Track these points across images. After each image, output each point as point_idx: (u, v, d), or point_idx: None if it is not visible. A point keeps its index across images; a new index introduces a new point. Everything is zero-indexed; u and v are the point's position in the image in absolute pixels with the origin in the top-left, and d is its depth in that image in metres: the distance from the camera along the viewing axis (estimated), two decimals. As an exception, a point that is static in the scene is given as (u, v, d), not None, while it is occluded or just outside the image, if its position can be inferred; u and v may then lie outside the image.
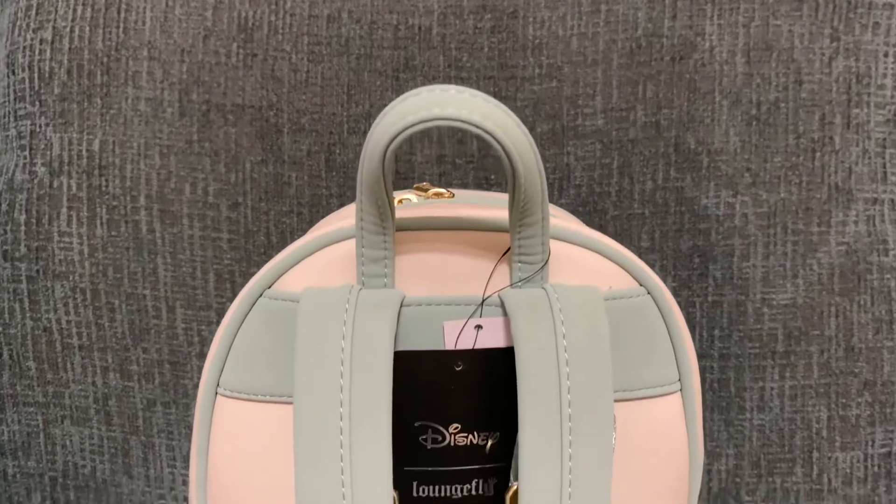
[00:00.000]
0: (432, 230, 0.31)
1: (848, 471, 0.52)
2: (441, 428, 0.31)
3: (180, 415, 0.53)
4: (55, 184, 0.53)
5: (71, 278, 0.53)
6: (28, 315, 0.53)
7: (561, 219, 0.34)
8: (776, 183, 0.52)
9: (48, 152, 0.53)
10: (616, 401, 0.31)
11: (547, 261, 0.30)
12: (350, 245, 0.31)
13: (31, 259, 0.53)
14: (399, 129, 0.27)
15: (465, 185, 0.53)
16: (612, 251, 0.32)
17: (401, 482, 0.31)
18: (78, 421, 0.54)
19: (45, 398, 0.54)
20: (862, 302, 0.52)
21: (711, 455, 0.53)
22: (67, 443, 0.54)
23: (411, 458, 0.31)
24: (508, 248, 0.31)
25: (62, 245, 0.53)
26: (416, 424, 0.31)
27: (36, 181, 0.53)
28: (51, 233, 0.53)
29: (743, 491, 0.53)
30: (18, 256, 0.53)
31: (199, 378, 0.53)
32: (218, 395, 0.33)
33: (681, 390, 0.33)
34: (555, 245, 0.31)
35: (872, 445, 0.52)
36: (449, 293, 0.31)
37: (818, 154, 0.52)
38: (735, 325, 0.52)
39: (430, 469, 0.31)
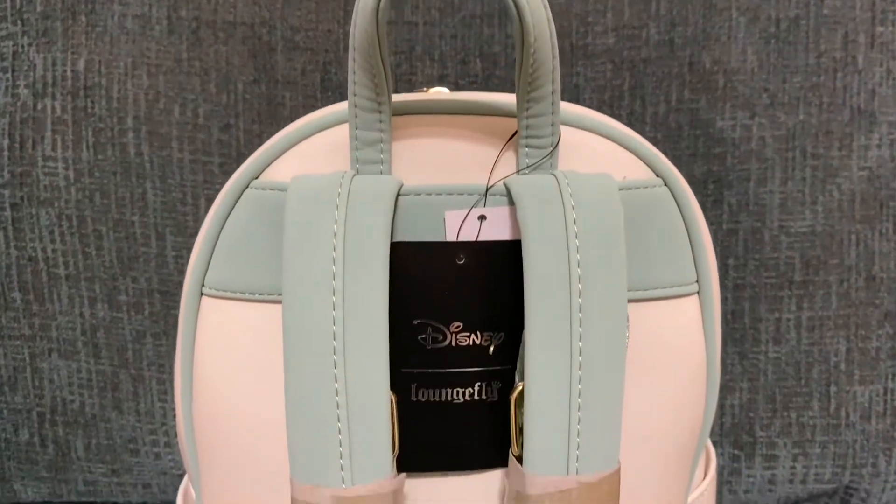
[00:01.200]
0: (432, 114, 0.29)
1: (867, 405, 0.50)
2: (441, 326, 0.29)
3: (171, 347, 0.51)
4: (39, 106, 0.50)
5: (56, 205, 0.50)
6: (12, 244, 0.51)
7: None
8: (795, 104, 0.49)
9: (31, 73, 0.50)
10: (629, 301, 0.29)
11: (557, 144, 0.28)
12: (343, 131, 0.29)
13: (14, 185, 0.51)
14: None
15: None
16: (626, 138, 0.29)
17: (399, 384, 0.29)
18: (65, 354, 0.52)
19: (32, 331, 0.52)
20: (884, 230, 0.49)
21: (724, 389, 0.51)
22: (55, 377, 0.52)
23: (410, 358, 0.29)
24: (515, 133, 0.28)
25: (47, 170, 0.50)
26: (414, 322, 0.29)
27: (19, 104, 0.51)
28: (35, 158, 0.50)
29: (757, 426, 0.51)
30: (1, 183, 0.51)
31: (190, 308, 0.51)
32: (203, 296, 0.30)
33: (698, 293, 0.31)
34: (565, 131, 0.29)
35: (893, 379, 0.50)
36: (450, 181, 0.28)
37: (840, 74, 0.49)
38: (751, 254, 0.50)
39: (429, 371, 0.29)
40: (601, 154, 0.29)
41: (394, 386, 0.28)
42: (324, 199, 0.27)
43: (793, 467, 0.51)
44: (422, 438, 0.30)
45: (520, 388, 0.28)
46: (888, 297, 0.49)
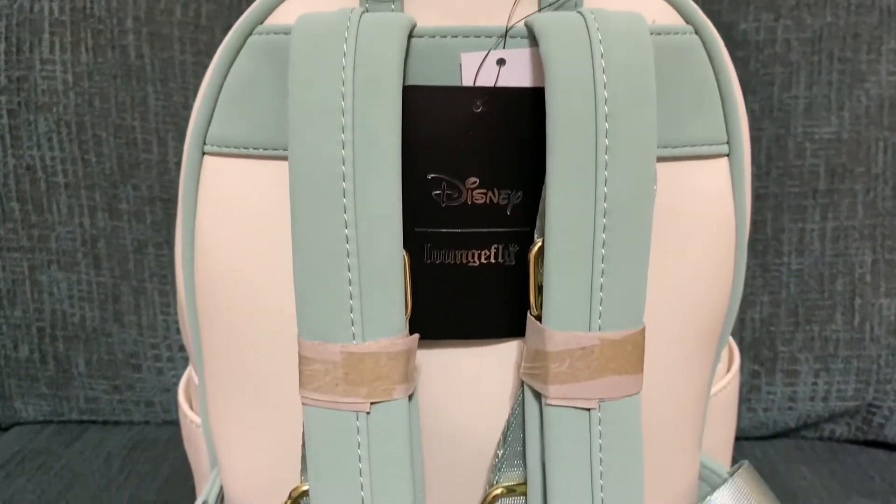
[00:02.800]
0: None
1: (893, 319, 0.49)
2: (457, 182, 0.27)
3: (173, 256, 0.50)
4: (36, 8, 0.49)
5: (55, 110, 0.49)
6: (10, 152, 0.50)
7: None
8: (822, 5, 0.47)
9: (28, -26, 0.49)
10: (657, 159, 0.27)
11: (582, -20, 0.26)
12: (352, -28, 0.27)
13: (11, 91, 0.49)
14: None
15: None
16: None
17: (411, 244, 0.27)
18: (65, 266, 0.50)
19: (30, 242, 0.50)
20: (913, 137, 0.48)
21: (745, 302, 0.49)
22: (54, 290, 0.51)
23: (423, 217, 0.27)
24: (536, -31, 0.27)
25: (45, 74, 0.49)
26: (428, 177, 0.27)
27: (15, 6, 0.49)
28: (32, 61, 0.49)
29: (778, 340, 0.49)
30: (-2, 88, 0.49)
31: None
32: (205, 155, 0.29)
33: (729, 155, 0.29)
34: (590, -28, 0.27)
35: (920, 292, 0.49)
36: (467, 22, 0.27)
37: (870, -26, 0.47)
38: (774, 162, 0.48)
39: (444, 231, 0.28)
40: (627, -4, 0.27)
41: (406, 245, 0.27)
42: (331, 33, 0.25)
43: (814, 383, 0.49)
44: (435, 304, 0.28)
45: (539, 243, 0.27)
46: (916, 207, 0.48)
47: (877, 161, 0.47)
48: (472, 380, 0.30)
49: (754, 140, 0.48)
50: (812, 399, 0.50)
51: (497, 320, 0.29)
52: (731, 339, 0.37)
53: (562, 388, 0.26)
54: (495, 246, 0.28)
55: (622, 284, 0.26)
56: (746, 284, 0.49)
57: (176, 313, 0.50)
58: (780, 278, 0.49)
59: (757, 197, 0.48)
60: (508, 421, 0.29)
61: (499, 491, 0.29)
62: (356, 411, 0.27)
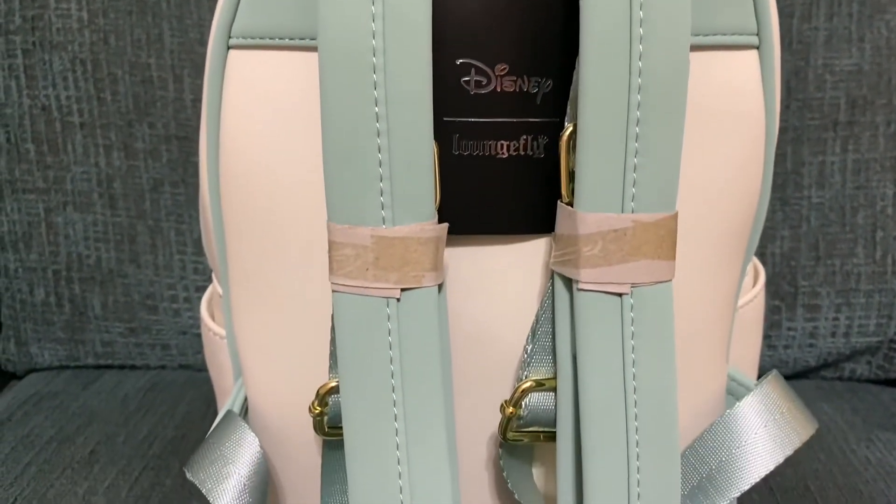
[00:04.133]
0: None
1: (914, 252, 0.48)
2: (486, 68, 0.27)
3: (190, 195, 0.49)
4: (50, -54, 0.49)
5: (70, 49, 0.49)
6: (25, 93, 0.49)
7: None
8: (842, -64, 0.47)
9: (42, -88, 0.49)
10: (687, 47, 0.27)
11: None
12: None
13: (26, 30, 0.49)
14: None
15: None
16: None
17: (440, 134, 0.27)
18: (81, 207, 0.50)
19: (46, 184, 0.50)
20: (934, 69, 0.47)
21: (765, 237, 0.49)
22: (70, 232, 0.51)
23: (452, 106, 0.27)
24: None
25: (59, 12, 0.48)
26: (457, 62, 0.27)
27: (29, -55, 0.49)
28: (47, 0, 0.49)
29: (799, 275, 0.49)
30: (13, 29, 0.49)
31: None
32: (230, 50, 0.29)
33: (758, 48, 0.29)
34: None
35: (941, 225, 0.48)
36: None
37: None
38: (794, 95, 0.47)
39: (472, 120, 0.27)
40: None
41: (434, 136, 0.26)
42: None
43: (836, 318, 0.49)
44: (462, 197, 0.28)
45: (571, 128, 0.26)
46: (938, 139, 0.47)
47: (898, 93, 0.47)
48: (500, 278, 0.29)
49: (774, 73, 0.47)
50: (833, 335, 0.50)
51: (526, 215, 0.29)
52: (755, 259, 0.36)
53: (594, 272, 0.26)
54: (524, 137, 0.28)
55: (656, 166, 0.26)
56: (767, 219, 0.48)
57: (193, 252, 0.50)
58: (800, 212, 0.48)
59: (778, 130, 0.48)
60: (537, 316, 0.29)
61: (528, 385, 0.29)
62: (386, 297, 0.26)
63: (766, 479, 0.42)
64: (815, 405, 0.49)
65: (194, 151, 0.49)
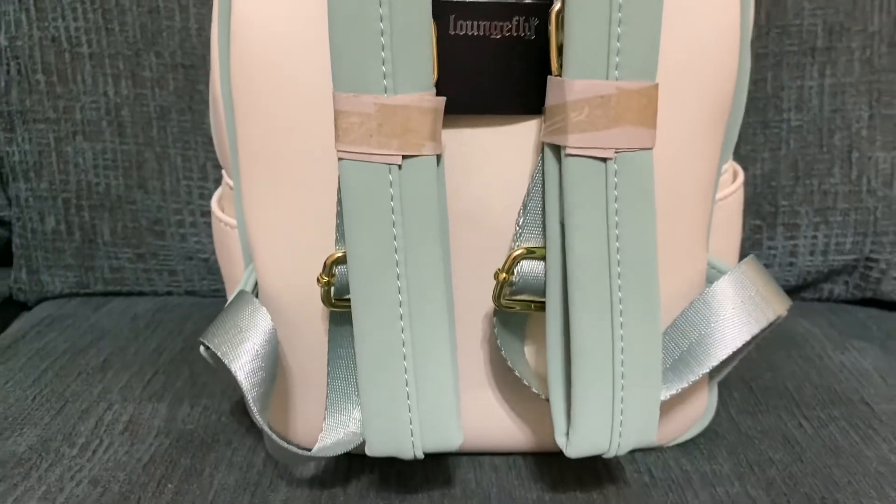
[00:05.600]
0: None
1: (888, 171, 0.51)
2: (480, -50, 0.29)
3: (196, 122, 0.51)
4: None
5: (78, -19, 0.50)
6: (34, 25, 0.51)
7: None
8: None
9: None
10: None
11: None
12: None
13: (35, -36, 0.51)
14: None
15: None
16: None
17: (438, 14, 0.29)
18: (90, 136, 0.52)
19: (56, 114, 0.52)
20: (907, -3, 0.49)
21: (746, 159, 0.51)
22: (80, 160, 0.53)
23: (448, -13, 0.29)
24: None
25: (68, -55, 0.50)
26: (453, -54, 0.29)
27: None
28: (56, -66, 0.50)
29: (779, 195, 0.51)
30: (23, -38, 0.51)
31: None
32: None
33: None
34: None
35: (914, 146, 0.50)
36: None
37: None
38: (773, 22, 0.50)
39: (468, 1, 0.29)
40: None
41: (433, 15, 0.28)
42: None
43: (814, 236, 0.51)
44: (459, 77, 0.30)
45: (559, 4, 0.29)
46: (910, 64, 0.50)
47: (873, 20, 0.49)
48: (494, 156, 0.32)
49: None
50: (812, 254, 0.52)
51: (518, 95, 0.31)
52: (734, 162, 0.39)
53: (581, 137, 0.28)
54: (516, 18, 0.30)
55: (637, 37, 0.28)
56: (748, 141, 0.51)
57: (199, 179, 0.52)
58: (779, 134, 0.51)
59: (756, 56, 0.50)
60: (529, 189, 0.31)
61: (519, 252, 0.31)
62: (388, 164, 0.28)
63: (747, 381, 0.45)
64: (795, 321, 0.52)
65: (200, 79, 0.51)
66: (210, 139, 0.52)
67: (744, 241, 0.52)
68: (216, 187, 0.52)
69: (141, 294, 0.55)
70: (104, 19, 0.50)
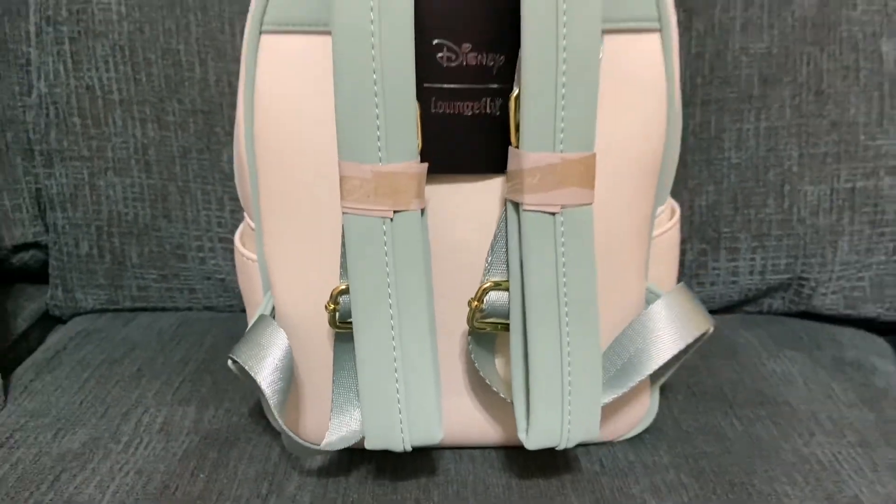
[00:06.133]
0: None
1: (815, 203, 0.58)
2: (455, 47, 0.36)
3: (213, 160, 0.59)
4: (92, -49, 0.57)
5: (110, 37, 0.58)
6: (72, 74, 0.58)
7: None
8: (755, -59, 0.56)
9: (85, -78, 0.57)
10: (603, 31, 0.37)
11: None
12: None
13: (72, 21, 0.58)
14: None
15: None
16: None
17: (421, 97, 0.36)
18: (120, 171, 0.59)
19: (90, 152, 0.59)
20: (831, 51, 0.57)
21: (693, 192, 0.58)
22: (111, 193, 0.60)
23: (430, 75, 0.36)
24: None
25: (101, 6, 0.57)
26: (434, 42, 0.36)
27: (74, -50, 0.58)
28: (90, -4, 0.58)
29: (721, 223, 0.59)
30: (61, 20, 0.58)
31: (228, 126, 0.58)
32: (262, 34, 0.38)
33: (660, 31, 0.38)
34: None
35: (838, 180, 0.58)
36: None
37: (794, -86, 0.56)
38: (716, 73, 0.57)
39: (445, 86, 0.37)
40: None
41: (417, 98, 0.36)
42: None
43: (752, 259, 0.59)
44: (439, 145, 0.37)
45: (517, 90, 0.36)
46: (834, 109, 0.57)
47: (801, 72, 0.57)
48: (468, 207, 0.39)
49: (699, 55, 0.57)
50: (751, 273, 0.59)
51: (486, 159, 0.38)
52: (673, 201, 0.46)
53: (534, 196, 0.36)
54: (484, 98, 0.37)
55: (577, 117, 0.35)
56: (694, 177, 0.58)
57: (217, 210, 0.59)
58: (721, 170, 0.58)
59: (702, 102, 0.57)
60: (495, 234, 0.39)
61: (488, 285, 0.38)
62: (383, 217, 0.36)
63: (690, 385, 0.52)
64: (737, 332, 0.59)
65: (217, 123, 0.58)
66: (226, 175, 0.59)
67: (691, 262, 0.60)
68: (231, 216, 0.59)
69: (164, 310, 0.62)
70: (133, 70, 0.58)
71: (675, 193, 0.58)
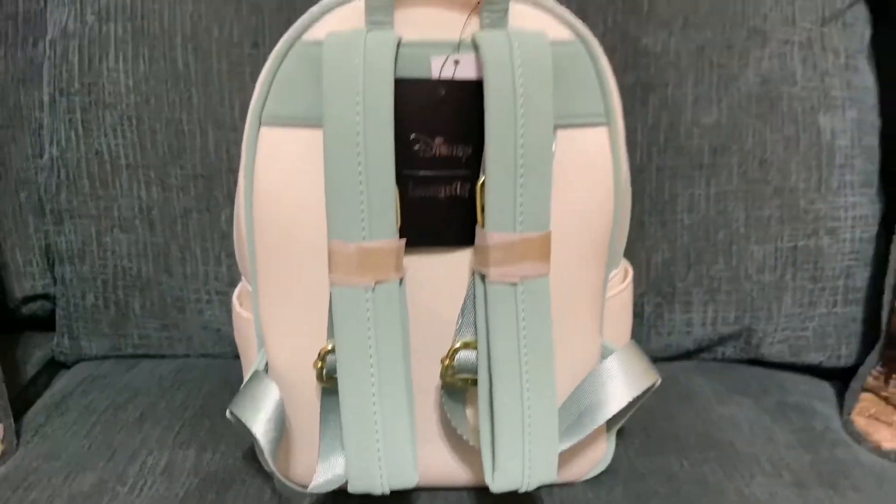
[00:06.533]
0: (422, -7, 0.42)
1: (761, 261, 0.64)
2: (429, 140, 0.42)
3: (213, 220, 0.64)
4: (103, 30, 0.63)
5: (119, 108, 0.63)
6: (82, 141, 0.63)
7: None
8: (704, 25, 0.62)
9: (97, 3, 0.63)
10: (556, 127, 0.42)
11: (507, 10, 0.41)
12: (360, 4, 0.41)
13: (84, 93, 0.63)
14: None
15: None
16: (556, 9, 0.42)
17: (400, 183, 0.42)
18: (125, 229, 0.64)
19: (98, 211, 0.64)
20: (773, 124, 0.63)
21: (650, 250, 0.64)
22: (116, 248, 0.65)
23: (408, 163, 0.42)
24: (479, 2, 0.41)
25: (111, 80, 0.63)
26: (411, 137, 0.42)
27: (86, 28, 0.63)
28: (101, 70, 0.63)
29: (676, 279, 0.64)
30: (73, 91, 0.63)
31: (227, 189, 0.63)
32: (261, 126, 0.43)
33: (607, 126, 0.44)
34: (513, 5, 0.42)
35: (781, 241, 0.64)
36: (435, 36, 0.41)
37: (739, 1, 0.62)
38: (670, 143, 0.63)
39: (421, 173, 0.42)
40: (537, 20, 0.42)
41: (397, 183, 0.41)
42: (349, 47, 0.40)
43: (705, 311, 0.64)
44: (416, 224, 0.43)
45: (483, 179, 0.41)
46: (777, 176, 0.63)
47: (747, 142, 0.63)
48: (441, 275, 0.44)
49: (655, 126, 0.63)
50: (703, 325, 0.65)
51: (456, 235, 0.44)
52: (628, 263, 0.51)
53: (497, 270, 0.41)
54: (455, 183, 0.43)
55: (533, 202, 0.41)
56: (650, 236, 0.64)
57: (215, 266, 0.64)
58: (675, 231, 0.64)
59: (658, 170, 0.63)
60: (465, 300, 0.44)
61: (458, 345, 0.44)
62: (365, 287, 0.41)
63: (647, 429, 0.57)
64: (693, 379, 0.64)
65: (216, 187, 0.63)
66: (223, 234, 0.64)
67: (650, 314, 0.65)
68: (228, 271, 0.64)
69: (163, 357, 0.67)
70: (139, 138, 0.63)
71: (633, 251, 0.64)
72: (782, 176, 0.63)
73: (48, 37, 0.65)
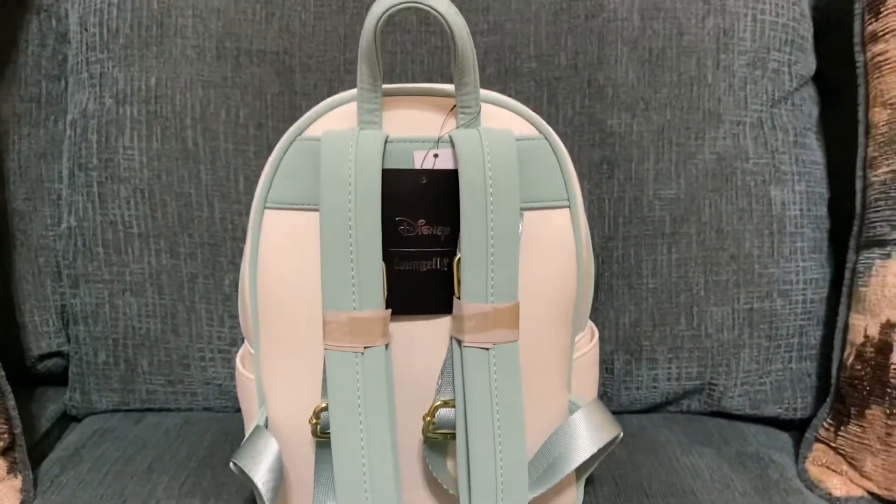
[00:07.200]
0: (407, 95, 0.48)
1: (720, 321, 0.70)
2: (412, 222, 0.48)
3: (217, 285, 0.69)
4: (120, 111, 0.69)
5: (132, 182, 0.69)
6: (98, 211, 0.69)
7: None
8: (664, 108, 0.69)
9: (114, 87, 0.69)
10: (523, 209, 0.48)
11: (479, 112, 0.47)
12: (353, 107, 0.48)
13: (101, 168, 0.69)
14: (385, 9, 0.44)
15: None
16: (522, 110, 0.49)
17: (387, 258, 0.48)
18: (136, 293, 0.70)
19: (111, 276, 0.70)
20: (728, 197, 0.69)
21: (618, 311, 0.70)
22: (127, 310, 0.70)
23: (393, 242, 0.48)
24: (454, 105, 0.48)
25: (126, 157, 0.69)
26: (396, 219, 0.48)
27: (105, 109, 0.69)
28: (117, 148, 0.69)
29: (642, 337, 0.70)
30: (91, 167, 0.69)
31: (231, 256, 0.69)
32: (266, 209, 0.49)
33: (569, 207, 0.50)
34: (484, 106, 0.48)
35: (738, 302, 0.69)
36: (417, 134, 0.48)
37: (695, 87, 0.69)
38: (634, 214, 0.69)
39: (405, 250, 0.48)
40: (506, 120, 0.48)
41: (383, 258, 0.47)
42: (343, 142, 0.46)
43: (669, 367, 0.70)
44: (401, 294, 0.48)
45: (459, 256, 0.47)
46: (733, 244, 0.69)
47: (704, 213, 0.69)
48: (423, 341, 0.50)
49: (620, 199, 0.69)
50: (669, 380, 0.70)
51: (437, 304, 0.49)
52: (593, 325, 0.57)
53: (472, 336, 0.47)
54: (435, 258, 0.49)
55: (503, 276, 0.46)
56: (618, 298, 0.70)
57: (219, 326, 0.70)
58: (641, 294, 0.70)
59: (624, 238, 0.69)
60: (444, 363, 0.49)
61: (438, 403, 0.49)
62: (356, 352, 0.46)
63: (615, 477, 0.62)
64: (659, 430, 0.70)
65: (221, 254, 0.69)
66: (226, 296, 0.69)
67: (619, 370, 0.70)
68: (229, 332, 0.70)
69: (169, 410, 0.72)
70: (150, 210, 0.69)
71: (603, 312, 0.69)
72: (737, 244, 0.69)
73: (69, 117, 0.71)
